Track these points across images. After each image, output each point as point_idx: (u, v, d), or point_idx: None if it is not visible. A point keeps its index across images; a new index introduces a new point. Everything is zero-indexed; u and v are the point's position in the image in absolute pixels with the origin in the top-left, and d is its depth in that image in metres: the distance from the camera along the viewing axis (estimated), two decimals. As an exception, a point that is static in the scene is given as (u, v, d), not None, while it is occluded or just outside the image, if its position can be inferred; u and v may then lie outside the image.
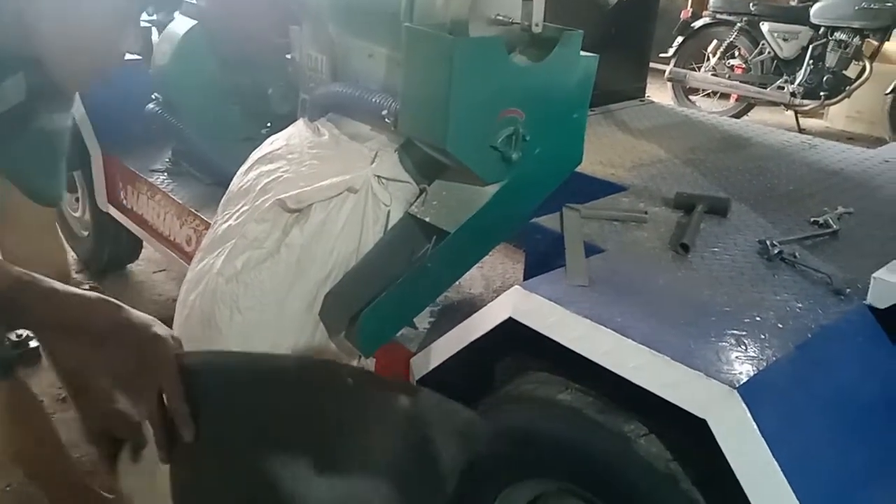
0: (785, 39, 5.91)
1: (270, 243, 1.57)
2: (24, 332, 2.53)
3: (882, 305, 1.26)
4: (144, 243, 2.85)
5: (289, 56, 1.99)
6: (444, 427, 0.96)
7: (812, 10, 5.70)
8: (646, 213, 1.67)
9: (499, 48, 1.42)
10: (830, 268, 1.42)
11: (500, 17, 1.50)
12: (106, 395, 0.97)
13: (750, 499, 1.01)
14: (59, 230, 3.19)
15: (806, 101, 5.80)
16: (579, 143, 1.64)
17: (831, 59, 5.67)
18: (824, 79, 5.70)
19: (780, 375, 1.11)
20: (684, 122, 2.64)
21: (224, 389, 0.93)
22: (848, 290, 1.34)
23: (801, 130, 5.64)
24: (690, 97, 6.50)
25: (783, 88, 5.86)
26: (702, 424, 1.04)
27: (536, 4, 1.47)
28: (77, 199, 3.21)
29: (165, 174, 2.62)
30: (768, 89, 5.93)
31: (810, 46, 5.76)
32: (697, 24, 6.40)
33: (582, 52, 1.54)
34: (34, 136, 1.60)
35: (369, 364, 1.70)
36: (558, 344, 1.23)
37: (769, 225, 1.65)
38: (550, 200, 1.64)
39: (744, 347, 1.14)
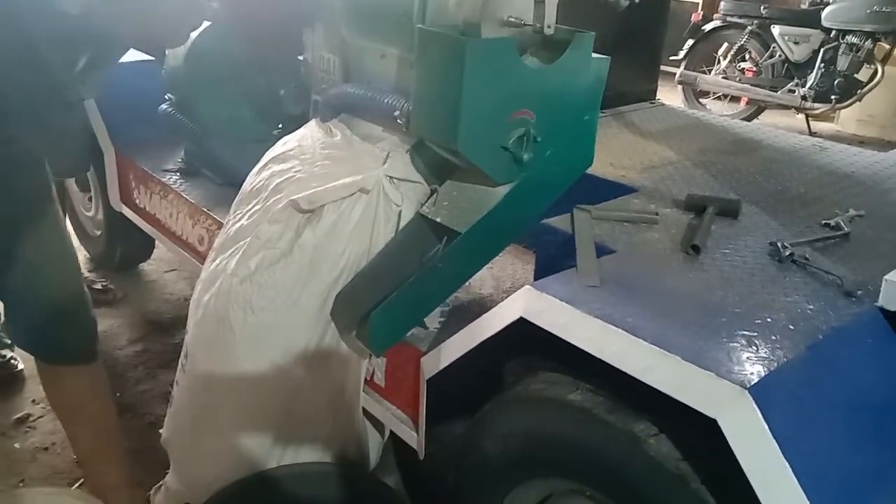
0: (796, 43, 5.89)
1: (283, 244, 1.59)
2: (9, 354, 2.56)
3: (893, 307, 1.26)
4: (157, 242, 2.86)
5: (301, 57, 2.00)
6: None
7: (823, 14, 5.68)
8: (657, 214, 1.67)
9: (510, 49, 1.42)
10: (841, 270, 1.41)
11: (512, 19, 1.51)
12: None
13: (760, 499, 1.01)
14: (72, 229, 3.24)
15: (817, 105, 5.78)
16: (590, 144, 1.64)
17: (842, 63, 5.64)
18: (835, 82, 5.68)
19: (791, 376, 1.11)
20: (695, 124, 2.64)
21: None
22: (859, 292, 1.34)
23: (811, 134, 5.61)
24: (701, 100, 6.49)
25: (794, 92, 5.84)
26: (712, 424, 1.04)
27: (549, 6, 1.48)
28: (90, 199, 3.23)
29: (178, 174, 2.63)
30: (779, 92, 5.91)
31: (821, 50, 5.74)
32: (708, 27, 6.38)
33: (594, 55, 1.55)
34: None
35: (379, 363, 1.71)
36: (569, 344, 1.23)
37: (780, 227, 1.65)
38: (561, 201, 1.64)
39: (755, 348, 1.15)
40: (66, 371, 1.76)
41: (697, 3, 7.40)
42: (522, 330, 1.31)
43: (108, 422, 1.86)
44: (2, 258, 1.61)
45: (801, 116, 6.13)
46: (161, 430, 1.84)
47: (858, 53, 5.58)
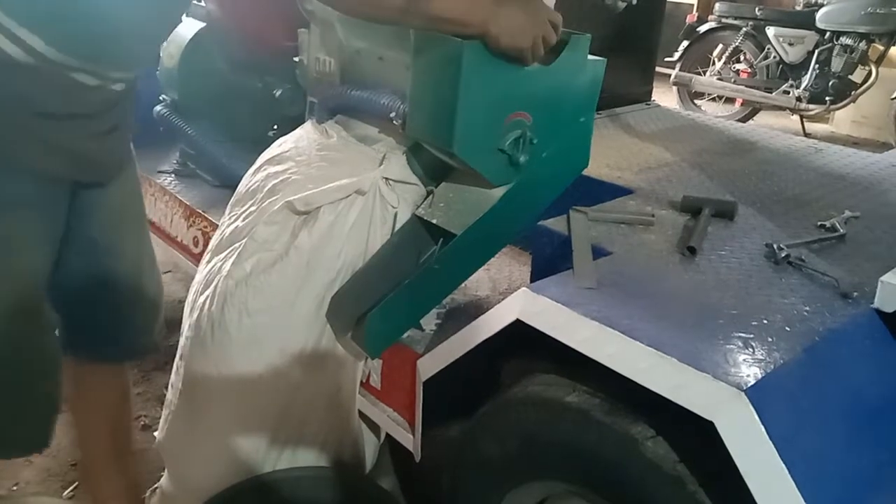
0: (790, 44, 5.92)
1: (279, 246, 1.58)
2: None
3: (889, 309, 1.26)
4: (151, 244, 2.85)
5: (297, 59, 2.00)
6: None
7: (818, 15, 5.70)
8: (653, 216, 1.67)
9: (507, 51, 1.42)
10: (837, 271, 1.42)
11: (509, 21, 1.50)
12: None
13: (757, 501, 1.02)
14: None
15: (811, 106, 5.80)
16: (586, 146, 1.64)
17: (837, 64, 5.67)
18: (830, 83, 5.70)
19: (787, 378, 1.11)
20: (690, 125, 2.64)
21: None
22: (855, 293, 1.34)
23: (806, 135, 5.64)
24: (696, 101, 6.51)
25: (789, 93, 5.86)
26: (709, 426, 1.04)
27: (545, 8, 1.48)
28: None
29: (173, 175, 2.63)
30: (774, 94, 5.93)
31: (816, 51, 5.76)
32: (703, 28, 6.41)
33: (590, 56, 1.55)
34: None
35: (376, 365, 1.71)
36: (566, 346, 1.23)
37: (776, 228, 1.66)
38: (557, 203, 1.64)
39: (751, 350, 1.15)
40: (114, 369, 1.76)
41: (692, 5, 7.43)
42: (519, 332, 1.31)
43: (130, 423, 1.87)
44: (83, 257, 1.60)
45: (796, 118, 6.15)
46: (156, 433, 1.83)
47: (853, 55, 5.60)
